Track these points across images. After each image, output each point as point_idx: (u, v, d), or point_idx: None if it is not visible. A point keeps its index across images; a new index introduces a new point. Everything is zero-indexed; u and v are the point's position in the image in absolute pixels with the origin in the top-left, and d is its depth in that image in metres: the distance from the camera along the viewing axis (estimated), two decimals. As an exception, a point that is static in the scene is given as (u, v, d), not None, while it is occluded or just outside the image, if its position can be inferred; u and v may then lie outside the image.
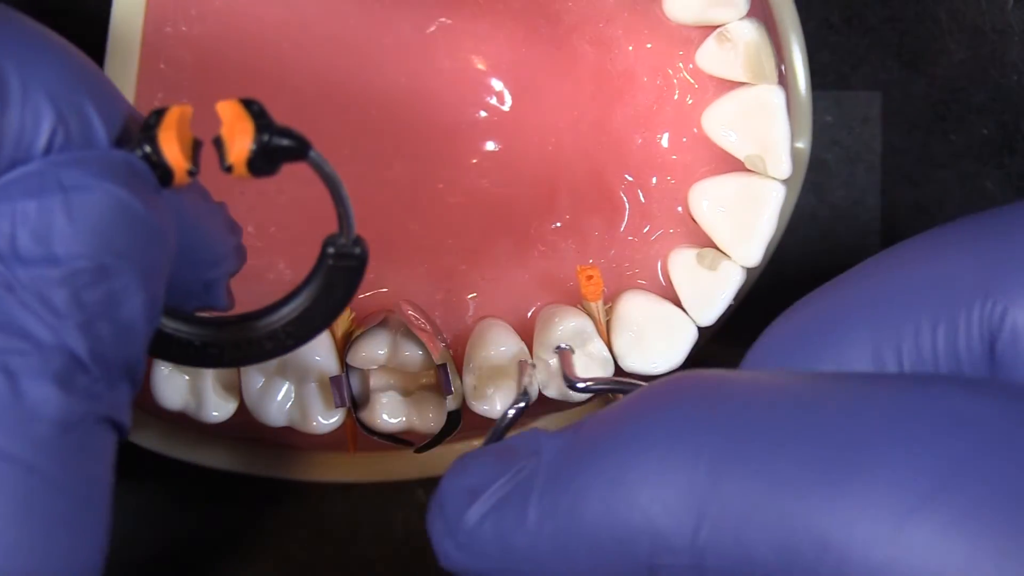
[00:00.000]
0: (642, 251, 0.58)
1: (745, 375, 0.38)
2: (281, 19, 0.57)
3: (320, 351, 0.54)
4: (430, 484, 0.67)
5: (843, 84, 0.65)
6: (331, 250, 0.45)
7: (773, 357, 0.44)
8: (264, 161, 0.41)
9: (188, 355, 0.46)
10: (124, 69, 0.55)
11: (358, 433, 0.56)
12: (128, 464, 0.45)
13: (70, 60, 0.40)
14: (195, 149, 0.42)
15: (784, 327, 0.44)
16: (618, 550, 0.36)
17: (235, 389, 0.55)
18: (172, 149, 0.41)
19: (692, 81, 0.57)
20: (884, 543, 0.32)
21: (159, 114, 0.41)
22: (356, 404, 0.55)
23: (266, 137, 0.41)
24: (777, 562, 0.33)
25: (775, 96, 0.54)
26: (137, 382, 0.40)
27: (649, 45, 0.57)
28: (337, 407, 0.55)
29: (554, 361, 0.55)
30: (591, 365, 0.55)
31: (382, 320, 0.55)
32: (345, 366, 0.55)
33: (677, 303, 0.56)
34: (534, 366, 0.54)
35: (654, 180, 0.58)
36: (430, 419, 0.56)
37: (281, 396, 0.55)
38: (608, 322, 0.56)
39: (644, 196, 0.58)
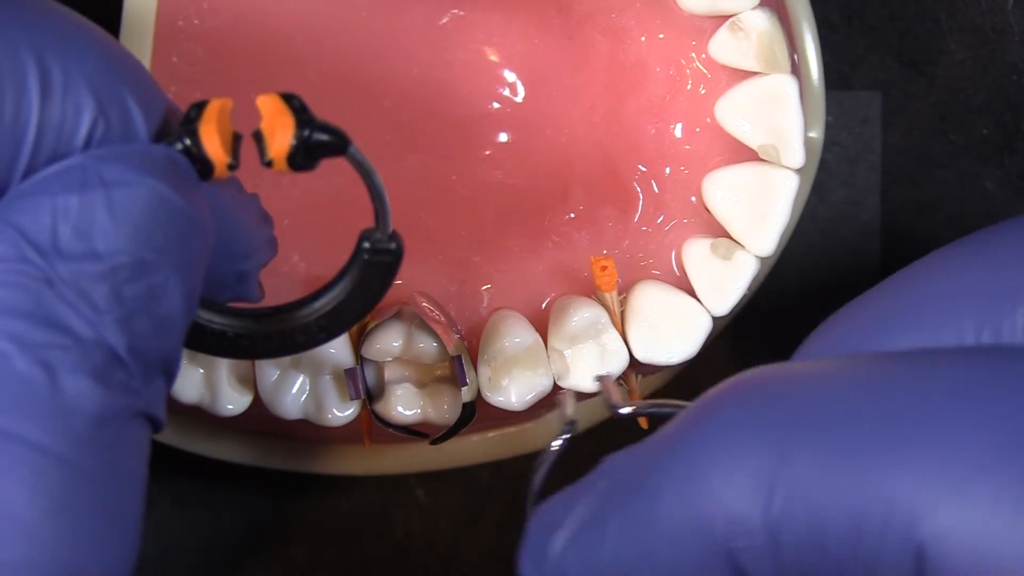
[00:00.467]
0: (656, 241, 0.58)
1: (800, 363, 0.38)
2: (293, 12, 0.57)
3: (335, 343, 0.54)
4: (430, 483, 0.66)
5: (843, 84, 0.66)
6: (366, 244, 0.45)
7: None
8: (304, 156, 0.41)
9: (220, 346, 0.46)
10: (136, 61, 0.55)
11: (373, 426, 0.56)
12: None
13: (111, 52, 0.40)
14: (235, 143, 0.42)
15: (825, 334, 0.44)
16: (696, 540, 0.36)
17: (250, 382, 0.55)
18: (213, 143, 0.40)
19: (705, 71, 0.57)
20: (950, 504, 0.33)
21: (199, 107, 0.41)
22: (371, 396, 0.55)
23: (307, 132, 0.41)
24: (848, 528, 0.34)
25: (788, 85, 0.55)
26: (172, 376, 0.40)
27: (662, 35, 0.57)
28: (352, 399, 0.54)
29: (569, 352, 0.55)
30: (605, 356, 0.55)
31: (396, 312, 0.55)
32: (360, 358, 0.55)
33: (691, 293, 0.56)
34: (575, 396, 0.54)
35: (667, 170, 0.58)
36: (445, 411, 0.55)
37: (296, 389, 0.55)
38: (623, 312, 0.56)
39: (658, 186, 0.58)
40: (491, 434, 0.61)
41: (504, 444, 0.61)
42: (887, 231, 0.67)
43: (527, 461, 0.63)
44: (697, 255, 0.56)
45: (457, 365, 0.54)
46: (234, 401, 0.55)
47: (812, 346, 0.44)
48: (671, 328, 0.55)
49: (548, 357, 0.55)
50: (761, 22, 0.54)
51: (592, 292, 0.56)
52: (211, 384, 0.54)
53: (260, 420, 0.55)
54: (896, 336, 0.42)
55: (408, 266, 0.57)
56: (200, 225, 0.40)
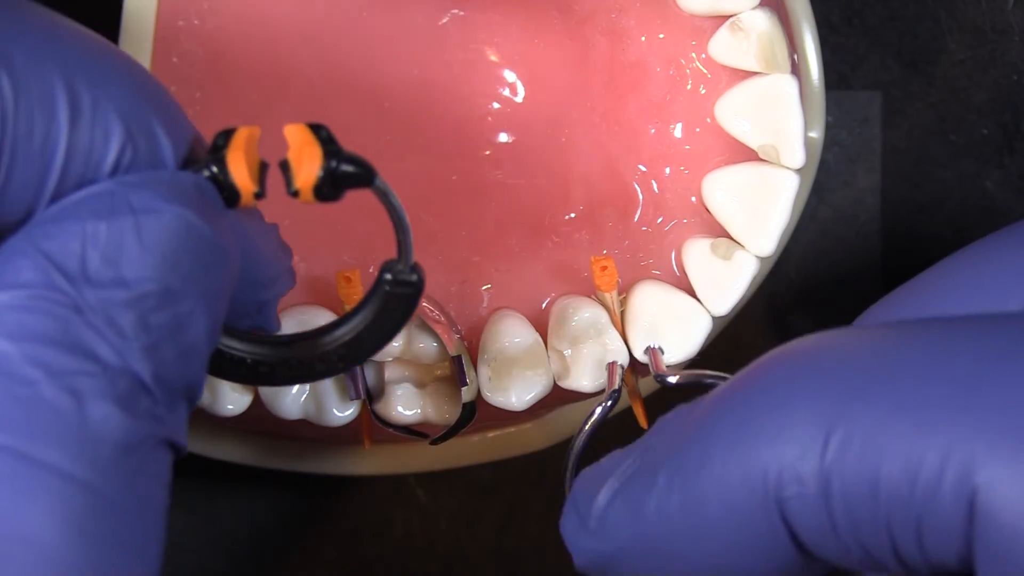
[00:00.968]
0: (656, 241, 0.58)
1: (859, 327, 0.39)
2: (293, 12, 0.57)
3: (334, 343, 0.54)
4: (430, 484, 0.66)
5: (843, 84, 0.66)
6: (388, 276, 0.45)
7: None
8: (330, 187, 0.41)
9: (240, 373, 0.46)
10: (136, 62, 0.55)
11: (373, 426, 0.56)
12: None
13: (139, 80, 0.40)
14: (262, 171, 0.42)
15: (886, 303, 0.44)
16: (747, 489, 0.36)
17: (250, 382, 0.55)
18: (240, 171, 0.40)
19: (705, 71, 0.57)
20: (1006, 455, 0.33)
21: (227, 135, 0.41)
22: (371, 396, 0.55)
23: (334, 163, 0.41)
24: (901, 476, 0.34)
25: (788, 85, 0.55)
26: (194, 402, 0.40)
27: (662, 35, 0.57)
28: (352, 399, 0.54)
29: (569, 352, 0.55)
30: (605, 356, 0.55)
31: (396, 312, 0.55)
32: (360, 358, 0.55)
33: (691, 293, 0.56)
34: (623, 367, 0.54)
35: (667, 170, 0.58)
36: (445, 411, 0.55)
37: (296, 389, 0.55)
38: (623, 312, 0.56)
39: (658, 186, 0.58)
40: (491, 434, 0.61)
41: (504, 444, 0.61)
42: (887, 231, 0.67)
43: (527, 461, 0.63)
44: (697, 255, 0.56)
45: (457, 365, 0.54)
46: (234, 401, 0.54)
47: (872, 315, 0.44)
48: (671, 328, 0.55)
49: (548, 357, 0.55)
50: (761, 22, 0.54)
51: (592, 292, 0.56)
52: (211, 384, 0.54)
53: (260, 420, 0.55)
54: (959, 304, 0.42)
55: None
56: (226, 254, 0.40)
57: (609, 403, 0.53)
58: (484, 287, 0.58)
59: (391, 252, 0.46)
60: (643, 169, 0.58)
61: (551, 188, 0.59)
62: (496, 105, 0.58)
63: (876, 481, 0.34)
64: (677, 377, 0.53)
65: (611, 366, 0.54)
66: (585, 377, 0.55)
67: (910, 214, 0.66)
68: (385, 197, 0.43)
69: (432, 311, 0.55)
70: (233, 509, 0.65)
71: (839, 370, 0.36)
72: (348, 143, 0.56)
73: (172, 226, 0.38)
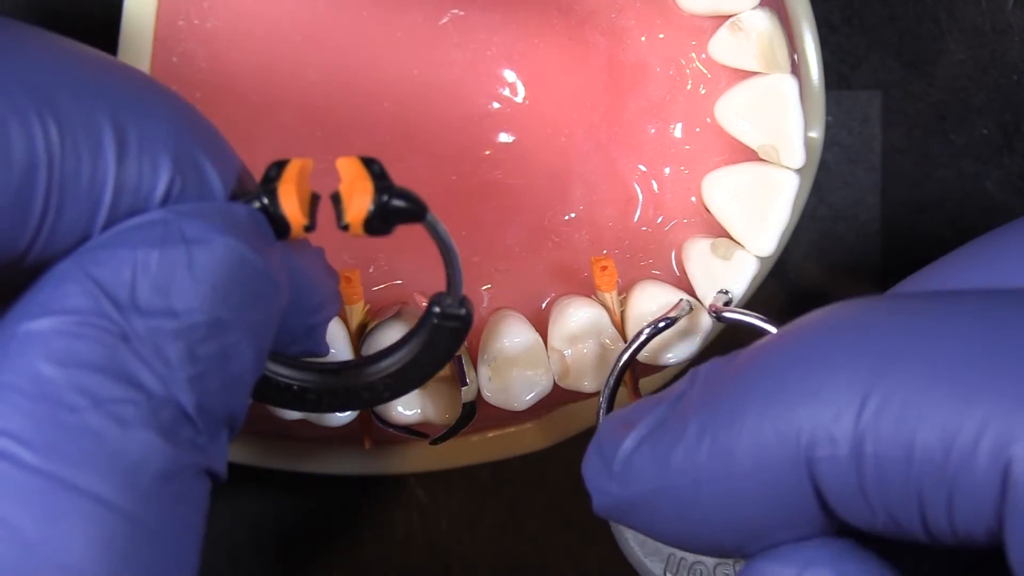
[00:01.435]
0: (656, 241, 0.58)
1: (900, 295, 0.39)
2: (293, 12, 0.57)
3: (335, 343, 0.54)
4: (430, 484, 0.66)
5: (843, 84, 0.66)
6: (437, 310, 0.46)
7: None
8: (381, 222, 0.41)
9: (285, 399, 0.46)
10: (136, 63, 0.55)
11: (373, 426, 0.56)
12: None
13: (183, 113, 0.40)
14: (313, 204, 0.42)
15: (922, 275, 0.44)
16: (779, 446, 0.36)
17: (249, 382, 0.55)
18: (291, 204, 0.41)
19: (705, 71, 0.57)
20: None
21: (280, 166, 0.41)
22: (371, 397, 0.55)
23: (385, 198, 0.41)
24: (936, 443, 0.34)
25: (788, 85, 0.55)
26: (236, 430, 0.40)
27: (662, 35, 0.57)
28: (353, 399, 0.54)
29: (569, 352, 0.55)
30: (606, 355, 0.55)
31: (397, 312, 0.55)
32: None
33: (692, 293, 0.56)
34: (689, 303, 0.54)
35: (667, 170, 0.58)
36: (445, 411, 0.55)
37: (296, 389, 0.55)
38: (623, 312, 0.56)
39: (658, 186, 0.58)
40: (491, 434, 0.61)
41: (504, 444, 0.61)
42: (887, 231, 0.67)
43: (527, 461, 0.63)
44: (697, 255, 0.56)
45: (457, 365, 0.54)
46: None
47: (907, 285, 0.44)
48: (671, 328, 0.55)
49: (548, 357, 0.55)
50: (761, 22, 0.54)
51: (592, 292, 0.56)
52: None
53: (260, 420, 0.55)
54: (1000, 277, 0.42)
55: (408, 266, 0.58)
56: (276, 285, 0.40)
57: (652, 328, 0.52)
58: (484, 287, 0.58)
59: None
60: (643, 169, 0.58)
61: (551, 188, 0.59)
62: (496, 105, 0.58)
63: (911, 447, 0.34)
64: (734, 315, 0.53)
65: (679, 302, 0.54)
66: (585, 377, 0.55)
67: (910, 214, 0.66)
68: (435, 232, 0.43)
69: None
70: (233, 509, 0.65)
71: (880, 335, 0.36)
72: (348, 143, 0.56)
73: (224, 258, 0.38)
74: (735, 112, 0.56)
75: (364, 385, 0.47)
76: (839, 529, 0.38)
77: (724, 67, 0.56)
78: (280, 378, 0.46)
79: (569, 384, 0.55)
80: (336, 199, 0.41)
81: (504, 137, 0.59)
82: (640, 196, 0.58)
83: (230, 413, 0.39)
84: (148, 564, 0.35)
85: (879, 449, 0.35)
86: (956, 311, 0.36)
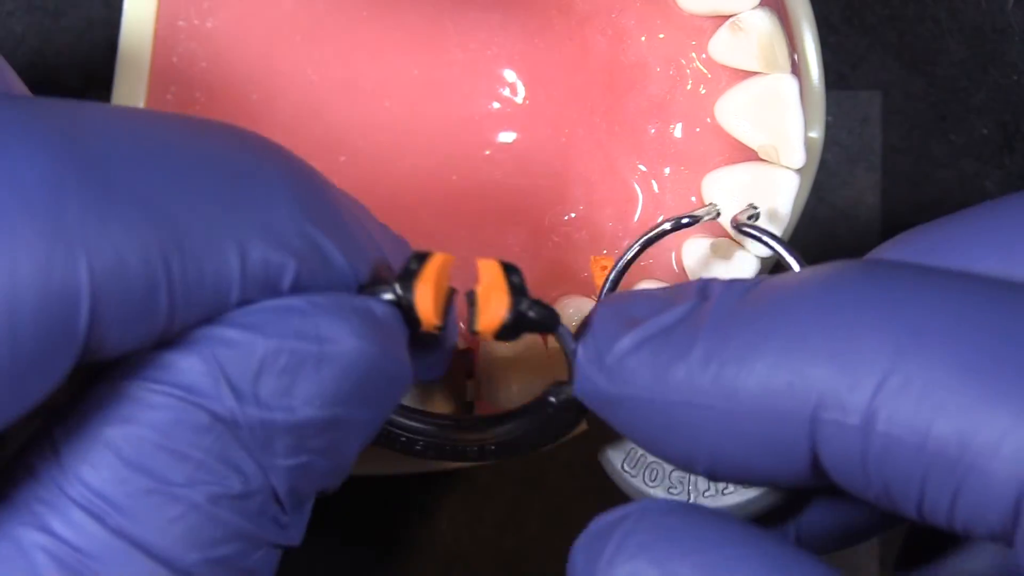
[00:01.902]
0: (656, 241, 0.58)
1: (940, 269, 0.37)
2: (293, 12, 0.57)
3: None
4: (430, 483, 0.66)
5: (843, 84, 0.66)
6: (552, 399, 0.45)
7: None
8: (512, 331, 0.41)
9: (393, 446, 0.47)
10: (136, 63, 0.55)
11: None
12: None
13: (308, 200, 0.38)
14: (448, 301, 0.41)
15: (907, 243, 0.42)
16: (788, 395, 0.35)
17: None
18: (426, 304, 0.40)
19: (705, 71, 0.57)
20: None
21: (420, 259, 0.41)
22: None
23: (522, 307, 0.41)
24: (953, 437, 0.33)
25: (788, 85, 0.55)
26: (326, 494, 0.39)
27: (662, 35, 0.57)
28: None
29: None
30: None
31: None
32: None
33: (692, 293, 0.56)
34: (719, 213, 0.54)
35: (667, 170, 0.58)
36: (445, 411, 0.55)
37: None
38: (623, 312, 0.56)
39: (658, 186, 0.58)
40: (491, 434, 0.61)
41: (504, 444, 0.61)
42: (887, 231, 0.67)
43: (527, 461, 0.63)
44: (697, 255, 0.56)
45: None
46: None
47: (893, 251, 0.42)
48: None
49: (548, 357, 0.55)
50: (761, 22, 0.54)
51: (592, 292, 0.56)
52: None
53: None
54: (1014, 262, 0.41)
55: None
56: (401, 379, 0.39)
57: (673, 222, 0.51)
58: (484, 287, 0.58)
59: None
60: (643, 169, 0.58)
61: (551, 188, 0.59)
62: (496, 105, 0.58)
63: (925, 435, 0.34)
64: (753, 232, 0.50)
65: (710, 206, 0.53)
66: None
67: (910, 214, 0.66)
68: (565, 343, 0.43)
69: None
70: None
71: (909, 309, 0.35)
72: (348, 143, 0.57)
73: (354, 363, 0.37)
74: (735, 112, 0.56)
75: (476, 446, 0.47)
76: (819, 485, 0.37)
77: (724, 67, 0.56)
78: (390, 427, 0.46)
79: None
80: (471, 300, 0.41)
81: (504, 137, 0.59)
82: (640, 196, 0.58)
83: (323, 488, 0.38)
84: None
85: (891, 429, 0.34)
86: (990, 301, 0.35)
